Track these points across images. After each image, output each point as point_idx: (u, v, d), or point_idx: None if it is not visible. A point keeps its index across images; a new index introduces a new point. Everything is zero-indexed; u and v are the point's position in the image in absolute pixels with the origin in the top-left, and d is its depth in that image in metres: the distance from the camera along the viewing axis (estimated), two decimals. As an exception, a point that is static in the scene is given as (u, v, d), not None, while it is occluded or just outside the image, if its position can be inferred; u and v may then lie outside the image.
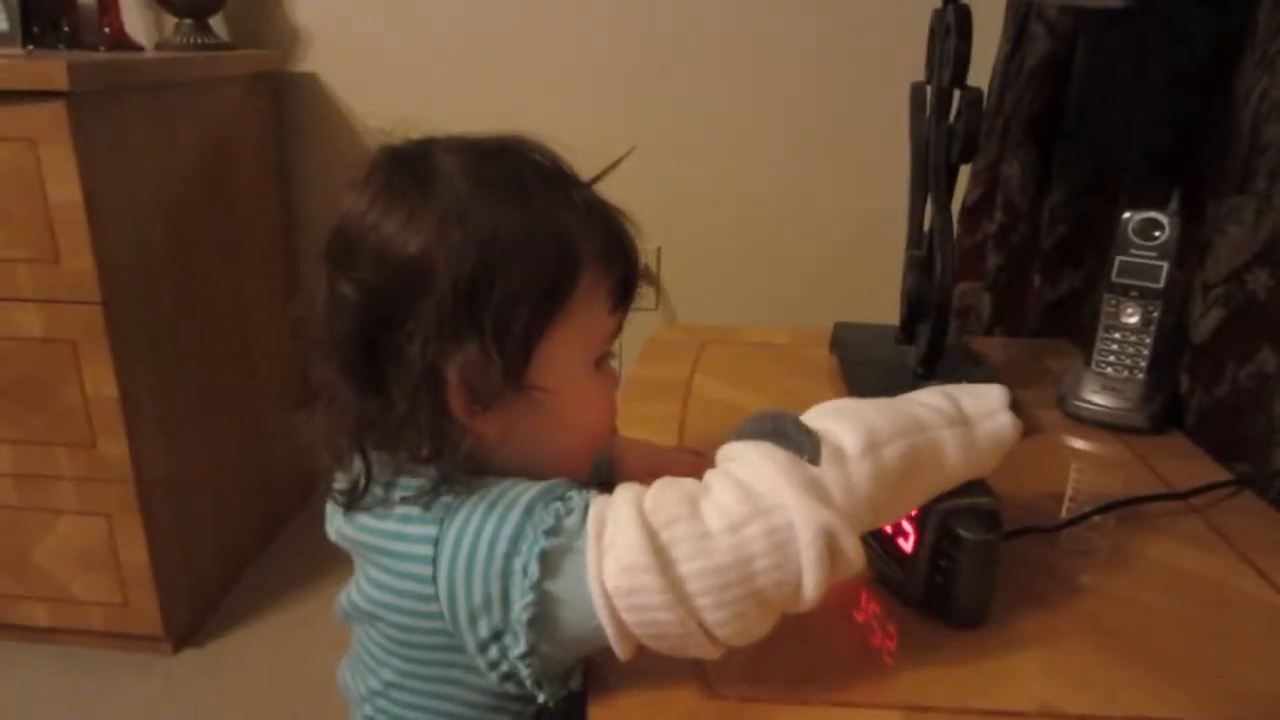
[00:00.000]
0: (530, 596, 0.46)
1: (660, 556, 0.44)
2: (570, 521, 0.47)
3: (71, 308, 1.29)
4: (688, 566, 0.44)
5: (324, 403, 0.53)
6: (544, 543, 0.46)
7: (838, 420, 0.49)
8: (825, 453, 0.47)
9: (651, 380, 0.95)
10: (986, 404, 0.54)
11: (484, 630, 0.48)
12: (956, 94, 0.83)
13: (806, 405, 0.88)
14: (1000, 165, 1.23)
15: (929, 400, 0.53)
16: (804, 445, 0.47)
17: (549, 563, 0.46)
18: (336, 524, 0.55)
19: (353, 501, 0.53)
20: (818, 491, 0.45)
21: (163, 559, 1.45)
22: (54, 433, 1.36)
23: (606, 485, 0.70)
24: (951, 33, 0.79)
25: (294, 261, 1.85)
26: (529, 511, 0.47)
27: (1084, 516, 0.69)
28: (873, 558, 0.61)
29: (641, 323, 1.84)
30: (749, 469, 0.47)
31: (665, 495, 0.47)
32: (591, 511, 0.47)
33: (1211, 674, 0.53)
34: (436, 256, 0.48)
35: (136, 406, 1.37)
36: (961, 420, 0.52)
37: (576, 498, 0.48)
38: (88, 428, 1.35)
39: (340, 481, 0.54)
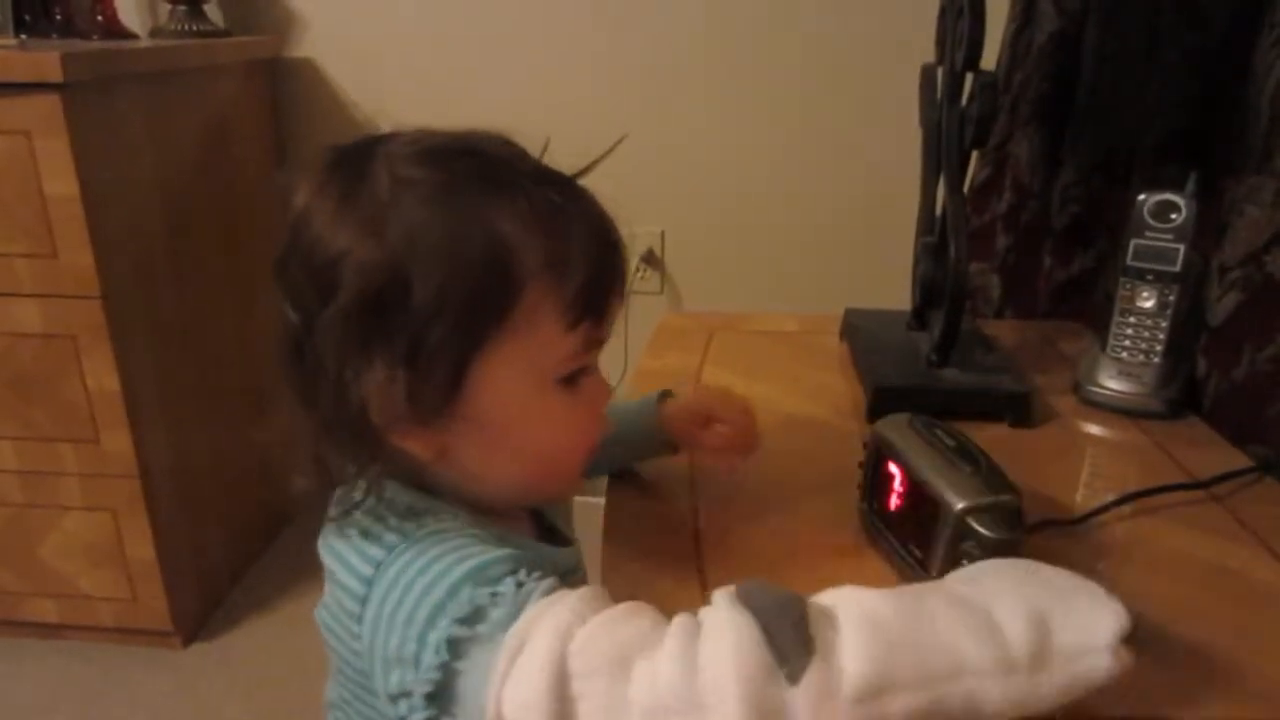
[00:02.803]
0: (433, 675, 0.42)
1: (563, 707, 0.38)
2: (496, 614, 0.42)
3: (71, 302, 1.28)
4: None
5: (278, 409, 0.51)
6: (454, 630, 0.42)
7: (859, 633, 0.39)
8: (812, 676, 0.37)
9: (661, 371, 0.94)
10: (1089, 639, 0.41)
11: (394, 684, 0.45)
12: (969, 76, 0.81)
13: (817, 393, 0.88)
14: (1008, 144, 1.22)
15: (1007, 624, 0.41)
16: (789, 655, 0.38)
17: (458, 648, 0.42)
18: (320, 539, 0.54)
19: (331, 510, 0.51)
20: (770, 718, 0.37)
21: (170, 553, 1.45)
22: (57, 428, 1.36)
23: (669, 445, 0.70)
24: (964, 14, 0.77)
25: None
26: (454, 591, 0.43)
27: (1104, 508, 0.68)
28: (892, 556, 0.61)
29: (646, 307, 1.84)
30: (712, 650, 0.38)
31: (599, 639, 0.40)
32: (520, 621, 0.41)
33: (1240, 671, 0.53)
34: (345, 265, 0.45)
35: (139, 400, 1.36)
36: (1033, 664, 0.40)
37: (510, 590, 0.43)
38: (91, 423, 1.34)
39: (300, 487, 0.53)
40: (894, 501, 0.61)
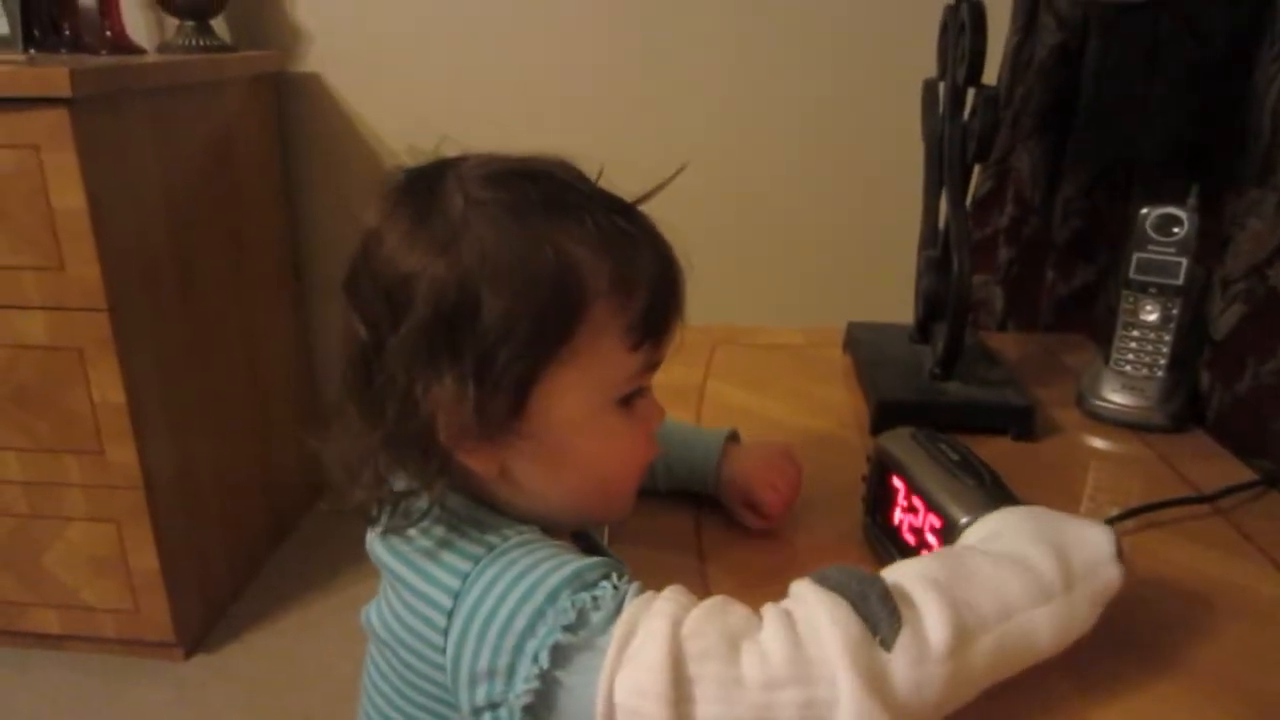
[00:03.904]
0: (534, 685, 0.43)
1: (679, 690, 0.40)
2: (596, 618, 0.43)
3: (77, 314, 1.28)
4: (704, 710, 0.40)
5: (340, 423, 0.52)
6: (559, 636, 0.43)
7: (933, 598, 0.43)
8: (905, 641, 0.42)
9: (664, 385, 0.92)
10: (1097, 553, 0.49)
11: (481, 697, 0.45)
12: (970, 91, 0.81)
13: (821, 406, 0.88)
14: (1010, 158, 1.22)
15: (1036, 558, 0.47)
16: (880, 624, 0.42)
17: (560, 655, 0.43)
18: (372, 542, 0.54)
19: (372, 521, 0.52)
20: (878, 683, 0.41)
21: (172, 564, 1.45)
22: (62, 440, 1.36)
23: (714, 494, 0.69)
24: (966, 30, 0.78)
25: (299, 263, 1.84)
26: (553, 597, 0.44)
27: (1108, 522, 0.67)
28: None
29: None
30: (810, 628, 0.42)
31: (708, 624, 0.43)
32: (624, 615, 0.43)
33: (1245, 688, 0.52)
34: (418, 283, 0.46)
35: (144, 412, 1.36)
36: (1065, 585, 0.47)
37: (609, 592, 0.45)
38: (95, 435, 1.35)
39: (355, 498, 0.53)
40: (898, 515, 0.61)
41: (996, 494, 0.55)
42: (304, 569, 1.76)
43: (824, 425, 0.85)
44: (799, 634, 0.42)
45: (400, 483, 0.51)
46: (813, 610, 0.43)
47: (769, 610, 0.44)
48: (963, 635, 0.43)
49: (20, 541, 1.44)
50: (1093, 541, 0.49)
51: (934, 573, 0.45)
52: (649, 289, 0.50)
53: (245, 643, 1.57)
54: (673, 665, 0.41)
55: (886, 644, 0.41)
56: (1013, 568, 0.46)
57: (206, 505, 1.56)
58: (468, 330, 0.46)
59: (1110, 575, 0.49)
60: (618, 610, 0.44)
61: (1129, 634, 0.56)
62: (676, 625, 0.42)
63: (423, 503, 0.50)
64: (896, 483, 0.61)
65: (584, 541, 0.60)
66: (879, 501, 0.63)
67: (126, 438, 1.34)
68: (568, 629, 0.43)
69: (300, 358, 1.88)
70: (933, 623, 0.42)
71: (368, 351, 0.49)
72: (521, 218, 0.47)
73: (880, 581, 0.44)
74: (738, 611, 0.44)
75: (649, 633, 0.42)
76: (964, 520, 0.53)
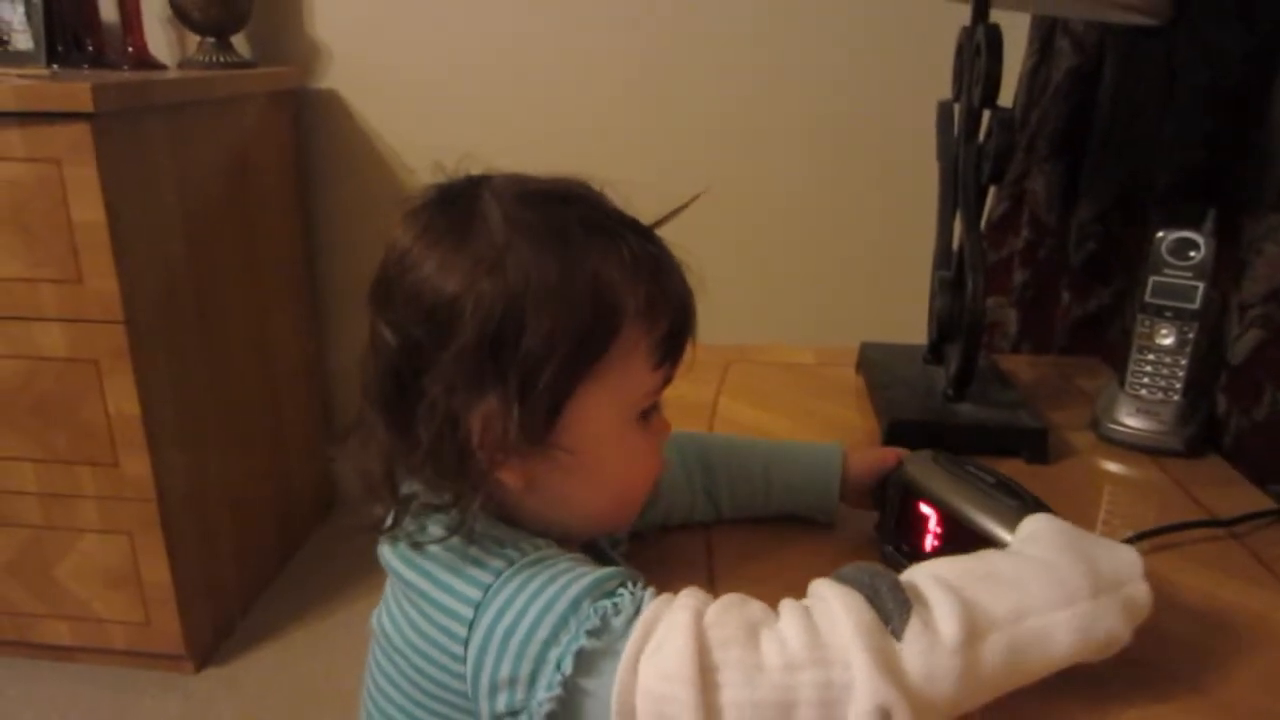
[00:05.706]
0: (556, 691, 0.44)
1: (705, 676, 0.42)
2: (617, 622, 0.45)
3: (95, 327, 1.29)
4: (729, 694, 0.42)
5: (361, 436, 0.52)
6: (584, 642, 0.44)
7: (941, 594, 0.45)
8: (915, 630, 0.43)
9: (676, 402, 0.93)
10: (1128, 568, 0.49)
11: (501, 705, 0.46)
12: (986, 113, 0.81)
13: (832, 426, 0.88)
14: (1025, 180, 1.22)
15: (1061, 564, 0.48)
16: (891, 614, 0.44)
17: (584, 661, 0.44)
18: (384, 551, 0.54)
19: (385, 531, 0.53)
20: (890, 667, 0.42)
21: (184, 577, 1.45)
22: (77, 451, 1.37)
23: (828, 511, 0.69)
24: (982, 52, 0.78)
25: (315, 277, 1.85)
26: (575, 606, 0.46)
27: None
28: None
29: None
30: (826, 616, 0.44)
31: (728, 614, 0.45)
32: (643, 615, 0.45)
33: (1259, 715, 0.52)
34: (465, 304, 0.47)
35: (158, 425, 1.37)
36: (1091, 592, 0.47)
37: (628, 597, 0.47)
38: (110, 446, 1.35)
39: (375, 512, 0.54)
40: (930, 542, 0.60)
41: (1041, 510, 0.55)
42: (314, 583, 1.76)
43: (836, 446, 0.85)
44: (815, 621, 0.44)
45: (410, 489, 0.52)
46: (828, 602, 0.45)
47: (785, 603, 0.46)
48: (972, 631, 0.44)
49: (33, 552, 1.45)
50: (1122, 559, 0.50)
51: (945, 573, 0.47)
52: (672, 311, 0.52)
53: (255, 656, 1.57)
54: (698, 652, 0.42)
55: (897, 633, 0.43)
56: (1035, 570, 0.47)
57: (218, 518, 1.57)
58: (511, 350, 0.47)
59: (1140, 591, 0.49)
60: (637, 613, 0.46)
61: (1141, 657, 0.56)
62: (699, 616, 0.44)
63: (449, 518, 0.50)
64: (925, 509, 0.60)
65: (594, 554, 0.61)
66: (905, 530, 0.62)
67: (140, 450, 1.35)
68: (592, 634, 0.45)
69: (315, 372, 1.88)
70: (941, 615, 0.44)
71: (401, 369, 0.50)
72: (562, 240, 0.49)
73: (890, 575, 0.46)
74: (755, 604, 0.46)
75: (672, 625, 0.44)
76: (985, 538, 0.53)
